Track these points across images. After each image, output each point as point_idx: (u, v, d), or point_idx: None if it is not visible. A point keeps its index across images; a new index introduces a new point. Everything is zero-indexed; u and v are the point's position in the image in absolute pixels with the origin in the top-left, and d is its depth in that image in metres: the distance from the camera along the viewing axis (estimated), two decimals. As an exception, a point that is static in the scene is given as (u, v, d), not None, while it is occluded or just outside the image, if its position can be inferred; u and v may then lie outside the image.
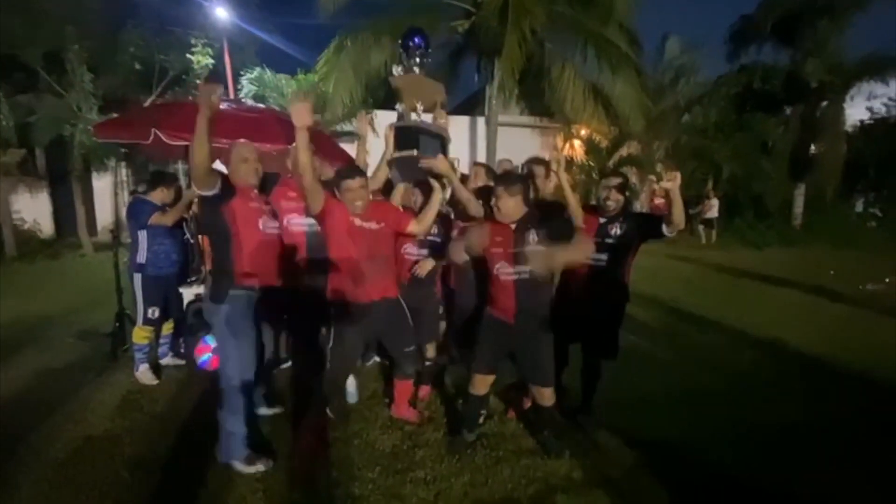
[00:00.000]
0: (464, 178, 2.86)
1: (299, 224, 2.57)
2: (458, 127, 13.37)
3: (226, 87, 9.73)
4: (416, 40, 2.37)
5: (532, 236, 2.33)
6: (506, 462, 2.43)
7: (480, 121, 11.94)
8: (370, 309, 2.47)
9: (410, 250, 2.90)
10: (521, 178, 2.45)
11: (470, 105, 14.63)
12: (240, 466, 2.27)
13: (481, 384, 2.54)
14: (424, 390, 3.22)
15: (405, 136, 2.37)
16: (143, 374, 3.42)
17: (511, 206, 2.33)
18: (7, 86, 7.76)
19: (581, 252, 2.35)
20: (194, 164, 1.96)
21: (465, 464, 2.41)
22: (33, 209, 10.87)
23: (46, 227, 11.16)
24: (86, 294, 6.07)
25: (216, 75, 1.98)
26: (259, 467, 2.29)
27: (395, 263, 2.72)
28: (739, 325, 4.99)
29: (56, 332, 4.59)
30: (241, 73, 9.66)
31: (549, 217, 2.42)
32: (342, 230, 2.36)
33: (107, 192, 11.21)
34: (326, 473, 2.32)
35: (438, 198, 2.57)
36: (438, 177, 2.54)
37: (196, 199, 2.81)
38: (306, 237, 2.58)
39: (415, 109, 2.48)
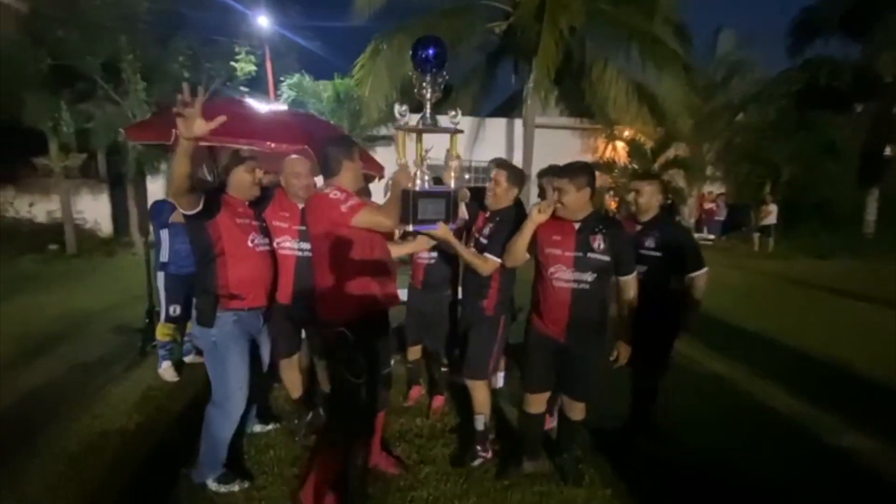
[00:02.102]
0: (481, 193, 2.55)
1: (290, 248, 2.39)
2: (494, 130, 13.21)
3: (267, 93, 10.12)
4: (431, 52, 1.89)
5: (599, 242, 2.05)
6: (517, 486, 2.22)
7: (518, 123, 11.70)
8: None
9: (422, 254, 2.78)
10: (588, 168, 2.14)
11: (508, 107, 14.43)
12: (214, 486, 2.16)
13: (536, 402, 2.28)
14: (439, 400, 3.06)
15: (402, 204, 1.93)
16: (166, 370, 3.48)
17: (577, 201, 2.05)
18: (70, 94, 8.36)
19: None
20: (172, 184, 1.79)
21: (472, 485, 2.22)
22: (94, 210, 11.64)
23: (106, 227, 11.92)
24: (130, 290, 6.33)
25: (194, 90, 1.73)
26: (234, 487, 2.17)
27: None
28: (797, 341, 4.50)
29: (96, 326, 4.80)
30: (282, 79, 9.96)
31: (615, 225, 2.16)
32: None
33: (160, 194, 11.82)
34: (323, 486, 2.20)
35: (420, 246, 2.43)
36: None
37: None
38: (296, 261, 2.39)
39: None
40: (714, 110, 12.41)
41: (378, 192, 2.55)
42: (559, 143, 12.28)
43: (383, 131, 10.88)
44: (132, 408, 3.01)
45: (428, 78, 1.91)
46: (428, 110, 1.97)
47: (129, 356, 3.88)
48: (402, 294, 3.34)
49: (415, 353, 3.12)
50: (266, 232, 2.27)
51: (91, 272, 8.11)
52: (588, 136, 13.64)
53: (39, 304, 5.72)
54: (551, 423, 2.75)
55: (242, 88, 9.39)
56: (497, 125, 13.38)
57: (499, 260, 2.24)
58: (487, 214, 2.42)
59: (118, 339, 4.35)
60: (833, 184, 12.57)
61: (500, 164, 2.42)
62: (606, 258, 2.05)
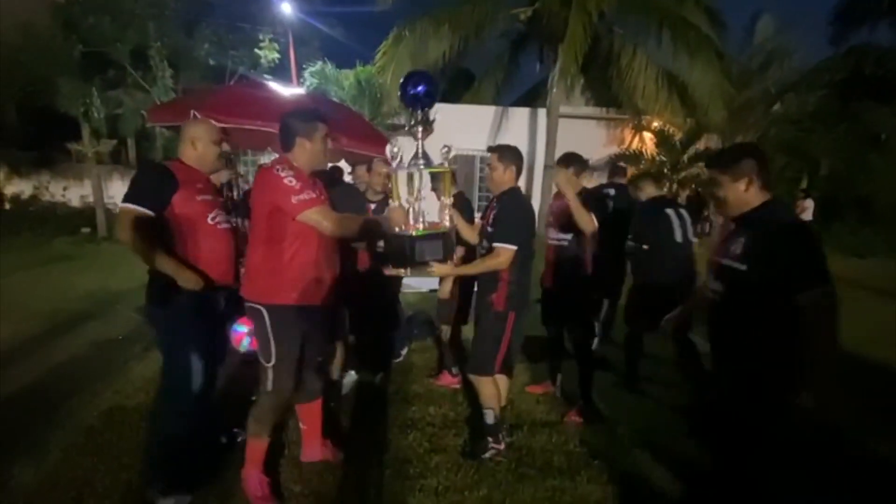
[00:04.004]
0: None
1: None
2: (517, 120, 12.96)
3: (290, 80, 10.18)
4: (421, 89, 1.84)
5: (737, 247, 1.58)
6: (530, 480, 2.15)
7: (542, 113, 11.44)
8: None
9: None
10: (753, 150, 1.72)
11: (532, 97, 14.12)
12: (152, 496, 1.93)
13: None
14: (445, 378, 3.04)
15: (397, 247, 1.94)
16: (183, 350, 3.52)
17: (736, 195, 1.61)
18: (101, 81, 8.58)
19: None
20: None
21: (484, 477, 2.17)
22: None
23: (135, 212, 12.31)
24: (155, 273, 6.52)
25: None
26: (170, 501, 1.91)
27: None
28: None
29: (122, 306, 4.92)
30: (304, 66, 9.99)
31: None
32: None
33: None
34: (332, 472, 2.18)
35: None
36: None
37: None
38: None
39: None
40: (749, 100, 11.83)
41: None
42: (584, 134, 11.95)
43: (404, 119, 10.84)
44: (150, 385, 3.05)
45: (419, 115, 1.89)
46: (420, 149, 1.95)
47: (151, 335, 3.95)
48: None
49: (446, 331, 3.29)
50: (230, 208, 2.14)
51: (121, 254, 8.33)
52: (614, 127, 13.22)
53: (70, 283, 5.91)
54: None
55: (266, 76, 9.47)
56: (520, 115, 13.11)
57: (512, 247, 2.12)
58: (493, 202, 2.34)
59: (141, 319, 4.45)
60: (876, 178, 11.86)
61: (491, 148, 2.37)
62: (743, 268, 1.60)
